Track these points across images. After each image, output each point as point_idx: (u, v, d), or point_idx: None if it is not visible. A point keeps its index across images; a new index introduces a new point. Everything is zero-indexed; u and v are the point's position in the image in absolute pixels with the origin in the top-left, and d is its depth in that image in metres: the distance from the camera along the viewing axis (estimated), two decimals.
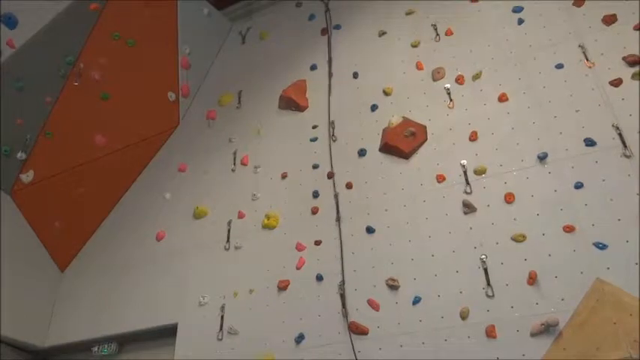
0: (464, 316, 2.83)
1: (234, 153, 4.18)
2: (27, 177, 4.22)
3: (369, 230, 3.32)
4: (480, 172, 3.19)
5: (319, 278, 3.30)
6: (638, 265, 2.56)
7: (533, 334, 2.63)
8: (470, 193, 3.15)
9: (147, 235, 4.14)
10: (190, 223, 4.02)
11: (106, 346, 3.85)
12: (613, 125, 2.93)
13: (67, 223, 4.33)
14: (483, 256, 2.92)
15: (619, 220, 2.71)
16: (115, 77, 4.22)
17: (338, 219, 3.45)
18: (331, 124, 3.88)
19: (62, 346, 4.03)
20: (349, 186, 3.56)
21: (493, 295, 2.81)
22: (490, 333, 2.72)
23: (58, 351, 4.08)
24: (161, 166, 4.49)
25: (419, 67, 3.79)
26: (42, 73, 3.95)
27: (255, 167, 4.02)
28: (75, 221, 4.36)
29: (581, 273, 2.66)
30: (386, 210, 3.35)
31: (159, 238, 4.08)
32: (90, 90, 4.16)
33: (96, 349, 3.87)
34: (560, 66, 3.27)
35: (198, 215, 4.02)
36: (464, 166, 3.24)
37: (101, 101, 4.22)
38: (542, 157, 3.05)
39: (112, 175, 4.40)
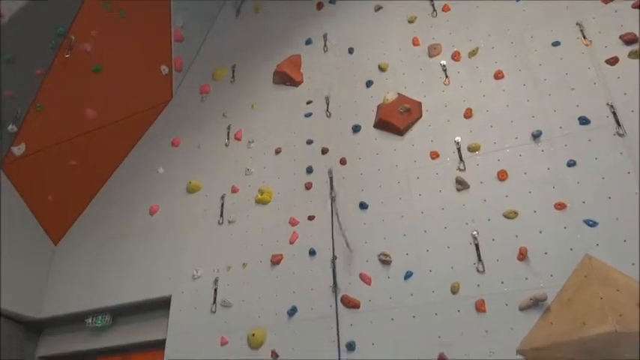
0: (454, 290, 2.87)
1: (228, 128, 4.16)
2: (19, 149, 4.19)
3: (363, 206, 3.34)
4: (473, 149, 3.20)
5: (312, 253, 3.33)
6: (626, 242, 2.60)
7: (521, 309, 2.68)
8: (463, 170, 3.17)
9: (140, 209, 4.15)
10: (184, 197, 4.03)
11: (100, 317, 3.89)
12: (607, 104, 2.93)
13: (60, 196, 4.32)
14: (475, 233, 2.95)
15: (609, 198, 2.73)
16: (107, 50, 4.15)
17: (331, 194, 3.46)
18: (326, 99, 3.86)
19: (56, 318, 4.06)
20: (343, 162, 3.56)
21: (483, 271, 2.85)
22: (480, 307, 2.77)
23: (53, 322, 4.12)
24: (154, 140, 4.47)
25: (415, 43, 3.76)
26: (32, 44, 3.88)
27: (249, 142, 4.01)
28: (68, 194, 4.34)
29: (571, 250, 2.70)
30: (380, 186, 3.36)
31: (152, 212, 4.09)
32: (81, 62, 4.09)
33: (90, 320, 3.90)
34: (556, 44, 3.26)
35: (191, 189, 4.02)
36: (458, 143, 3.25)
37: (93, 74, 4.16)
38: (536, 135, 3.05)
39: (105, 149, 4.38)
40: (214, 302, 3.48)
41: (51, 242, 4.37)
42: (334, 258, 3.24)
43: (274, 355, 3.13)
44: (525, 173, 2.99)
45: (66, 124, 4.22)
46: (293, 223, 3.50)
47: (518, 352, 2.60)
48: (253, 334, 3.22)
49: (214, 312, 3.45)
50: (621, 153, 2.79)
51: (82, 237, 4.32)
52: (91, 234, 4.29)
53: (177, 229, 3.90)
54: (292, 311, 3.21)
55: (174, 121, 4.46)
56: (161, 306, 3.65)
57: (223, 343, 3.31)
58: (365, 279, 3.11)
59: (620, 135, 2.84)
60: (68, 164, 4.29)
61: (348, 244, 3.17)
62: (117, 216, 4.23)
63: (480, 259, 2.87)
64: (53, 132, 4.22)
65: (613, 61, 3.03)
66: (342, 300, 3.10)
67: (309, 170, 3.63)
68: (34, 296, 4.08)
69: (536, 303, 2.64)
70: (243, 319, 3.32)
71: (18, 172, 4.22)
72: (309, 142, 3.75)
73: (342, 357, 2.94)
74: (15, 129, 4.11)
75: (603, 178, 2.78)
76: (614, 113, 2.89)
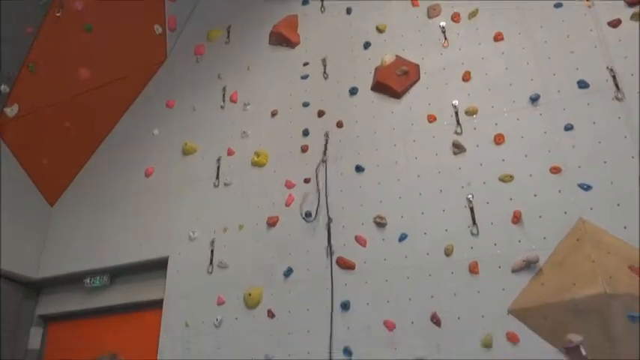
0: (448, 252, 2.90)
1: (224, 89, 4.11)
2: (11, 110, 4.13)
3: (359, 169, 3.34)
4: (471, 112, 3.17)
5: (308, 215, 3.35)
6: (620, 206, 2.62)
7: (514, 271, 2.72)
8: (460, 133, 3.16)
9: (136, 170, 4.14)
10: (179, 159, 4.01)
11: (97, 277, 3.93)
12: (607, 67, 2.90)
13: (55, 157, 4.29)
14: (470, 196, 2.96)
15: (605, 162, 2.74)
16: (98, 8, 4.05)
17: (324, 157, 3.46)
18: (323, 61, 3.80)
19: (54, 278, 4.11)
20: (340, 125, 3.54)
21: (478, 234, 2.88)
22: (473, 269, 2.81)
23: (51, 282, 4.17)
24: (148, 101, 4.42)
25: (414, 3, 3.67)
26: (21, 1, 3.77)
27: (245, 104, 3.97)
28: (63, 156, 4.32)
29: (565, 213, 2.72)
30: (376, 149, 3.35)
31: (148, 174, 4.08)
32: (72, 21, 4.00)
33: (88, 280, 3.95)
34: (558, 5, 3.19)
35: (187, 152, 4.00)
36: (455, 106, 3.22)
37: (84, 33, 4.07)
38: (534, 99, 3.03)
39: (99, 110, 4.33)
40: (211, 263, 3.52)
41: (47, 204, 4.37)
42: (329, 220, 3.26)
43: (270, 314, 3.19)
44: (522, 137, 2.98)
45: (59, 85, 4.16)
46: (289, 185, 3.50)
47: (510, 312, 2.65)
48: (250, 294, 3.27)
49: (211, 273, 3.49)
50: (619, 117, 2.78)
51: (78, 198, 4.33)
52: (87, 195, 4.29)
53: (174, 190, 3.91)
54: (288, 272, 3.25)
55: (168, 83, 4.40)
56: (159, 267, 3.68)
57: (220, 303, 3.36)
58: (360, 241, 3.14)
59: (618, 99, 2.82)
60: (63, 126, 4.25)
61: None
62: (113, 178, 4.23)
63: (474, 222, 2.90)
64: (46, 93, 4.16)
65: (615, 24, 2.98)
66: (337, 261, 3.14)
67: (306, 133, 3.61)
68: (32, 257, 4.11)
69: (528, 265, 2.69)
70: (240, 280, 3.37)
71: (11, 133, 4.18)
72: (306, 104, 3.71)
73: (336, 316, 3.00)
74: (7, 89, 4.05)
75: (600, 143, 2.78)
76: (613, 77, 2.86)
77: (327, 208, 3.30)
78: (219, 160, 3.84)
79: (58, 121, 4.23)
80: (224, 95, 4.08)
